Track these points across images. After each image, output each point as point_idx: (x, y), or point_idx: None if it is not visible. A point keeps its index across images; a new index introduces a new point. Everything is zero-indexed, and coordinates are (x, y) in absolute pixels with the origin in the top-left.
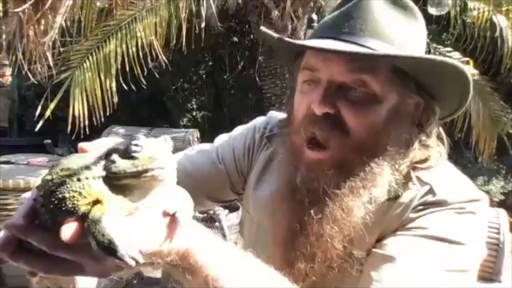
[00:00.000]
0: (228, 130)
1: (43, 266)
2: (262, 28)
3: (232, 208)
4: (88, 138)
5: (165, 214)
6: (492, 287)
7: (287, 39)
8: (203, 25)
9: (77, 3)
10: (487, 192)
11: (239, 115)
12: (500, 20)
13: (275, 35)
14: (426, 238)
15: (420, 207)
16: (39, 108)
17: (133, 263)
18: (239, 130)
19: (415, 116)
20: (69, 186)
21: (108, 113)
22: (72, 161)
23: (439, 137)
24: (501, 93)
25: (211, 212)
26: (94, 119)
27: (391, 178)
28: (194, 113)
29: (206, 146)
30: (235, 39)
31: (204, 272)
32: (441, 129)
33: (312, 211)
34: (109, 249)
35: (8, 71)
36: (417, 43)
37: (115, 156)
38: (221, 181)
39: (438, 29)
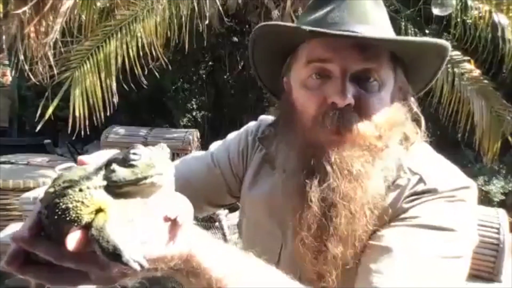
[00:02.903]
0: (228, 130)
1: (50, 277)
2: (272, 23)
3: (232, 208)
4: (88, 138)
5: (166, 219)
6: (492, 287)
7: (309, 28)
8: (206, 22)
9: (77, 4)
10: (487, 192)
11: (239, 115)
12: (501, 19)
13: (290, 24)
14: (420, 227)
15: (412, 197)
16: (40, 108)
17: (138, 268)
18: (232, 135)
19: (400, 98)
20: (71, 196)
21: (108, 113)
22: (73, 173)
23: (416, 118)
24: (502, 93)
25: (211, 212)
26: (94, 119)
27: (394, 160)
28: (194, 113)
29: (201, 153)
30: (235, 39)
31: (207, 274)
32: (416, 109)
33: (339, 193)
34: (114, 254)
35: (8, 71)
36: (390, 26)
37: (114, 166)
38: (218, 185)
39: (438, 29)
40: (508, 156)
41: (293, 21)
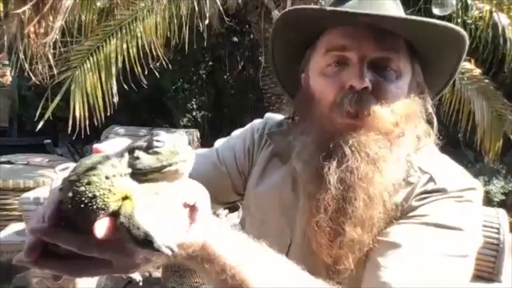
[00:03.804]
0: (228, 130)
1: (70, 268)
2: (295, 7)
3: (232, 208)
4: (88, 138)
5: (185, 205)
6: (492, 287)
7: (333, 8)
8: (206, 22)
9: (77, 4)
10: (487, 192)
11: (239, 115)
12: (502, 19)
13: (313, 6)
14: (429, 225)
15: (422, 196)
16: (40, 108)
17: (169, 253)
18: (237, 132)
19: (417, 93)
20: (98, 184)
21: (108, 113)
22: (95, 161)
23: (429, 119)
24: (502, 93)
25: (214, 210)
26: (94, 119)
27: (406, 156)
28: (194, 113)
29: (205, 150)
30: (235, 39)
31: (222, 260)
32: (432, 111)
33: (357, 175)
34: (146, 241)
35: (8, 71)
36: None
37: (138, 153)
38: (223, 182)
39: None
40: (509, 156)
41: None
